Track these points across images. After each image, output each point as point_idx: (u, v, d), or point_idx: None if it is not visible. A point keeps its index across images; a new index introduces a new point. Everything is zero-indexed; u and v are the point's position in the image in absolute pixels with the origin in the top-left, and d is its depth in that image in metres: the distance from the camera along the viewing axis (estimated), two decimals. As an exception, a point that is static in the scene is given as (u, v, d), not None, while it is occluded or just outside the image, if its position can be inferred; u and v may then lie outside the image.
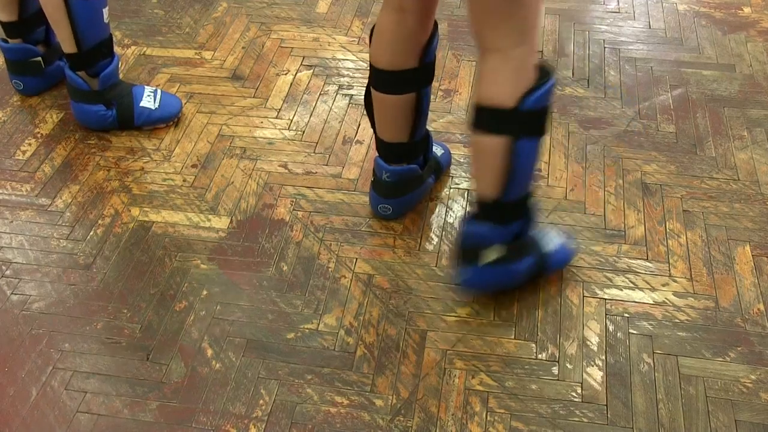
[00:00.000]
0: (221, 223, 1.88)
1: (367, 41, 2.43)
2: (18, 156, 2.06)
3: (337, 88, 2.27)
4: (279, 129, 2.14)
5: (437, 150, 1.92)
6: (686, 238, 1.83)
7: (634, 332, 1.64)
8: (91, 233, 1.86)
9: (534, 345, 1.62)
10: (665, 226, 1.86)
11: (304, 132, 2.13)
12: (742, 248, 1.81)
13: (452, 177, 1.98)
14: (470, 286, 1.66)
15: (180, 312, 1.70)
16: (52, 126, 2.15)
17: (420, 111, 1.69)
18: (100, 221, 1.89)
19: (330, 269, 1.78)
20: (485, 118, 1.43)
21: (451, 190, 1.95)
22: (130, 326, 1.67)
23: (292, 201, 1.94)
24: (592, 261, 1.78)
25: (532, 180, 1.56)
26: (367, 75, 2.30)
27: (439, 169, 1.93)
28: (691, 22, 2.51)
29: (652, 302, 1.70)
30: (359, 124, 2.15)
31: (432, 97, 2.10)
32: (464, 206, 1.91)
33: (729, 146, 2.07)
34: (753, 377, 1.57)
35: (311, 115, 2.18)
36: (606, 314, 1.68)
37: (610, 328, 1.65)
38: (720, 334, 1.64)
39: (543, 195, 1.94)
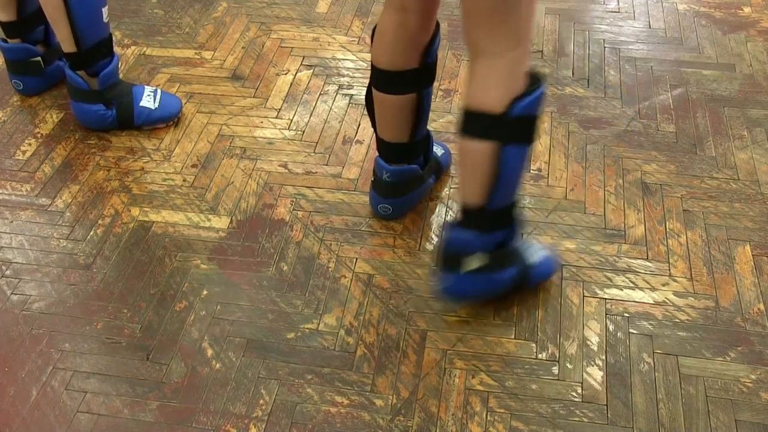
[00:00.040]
0: (221, 223, 1.88)
1: (368, 41, 2.43)
2: (18, 156, 2.06)
3: (337, 87, 2.27)
4: (279, 129, 2.14)
5: (437, 150, 1.92)
6: (686, 237, 1.83)
7: (635, 332, 1.64)
8: (91, 233, 1.86)
9: (534, 345, 1.62)
10: (665, 226, 1.86)
11: (304, 132, 2.13)
12: (742, 248, 1.81)
13: (452, 177, 1.98)
14: (451, 293, 1.64)
15: (180, 312, 1.70)
16: (52, 126, 2.15)
17: (421, 111, 1.69)
18: (100, 221, 1.89)
19: (330, 269, 1.78)
20: (473, 123, 1.41)
21: (452, 190, 1.95)
22: (130, 326, 1.67)
23: (292, 201, 1.94)
24: (592, 261, 1.78)
25: (519, 189, 1.54)
26: (367, 75, 2.30)
27: (440, 169, 1.93)
28: (691, 21, 2.51)
29: (652, 302, 1.70)
30: (359, 124, 2.15)
31: (432, 96, 2.10)
32: (464, 206, 1.91)
33: (729, 146, 2.07)
34: (753, 377, 1.57)
35: (311, 115, 2.18)
36: (606, 314, 1.68)
37: (611, 327, 1.65)
38: (720, 333, 1.64)
39: (543, 195, 1.94)
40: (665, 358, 1.60)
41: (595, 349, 1.62)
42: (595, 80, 2.29)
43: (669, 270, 1.76)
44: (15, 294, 1.74)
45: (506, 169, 1.43)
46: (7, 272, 1.78)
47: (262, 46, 2.42)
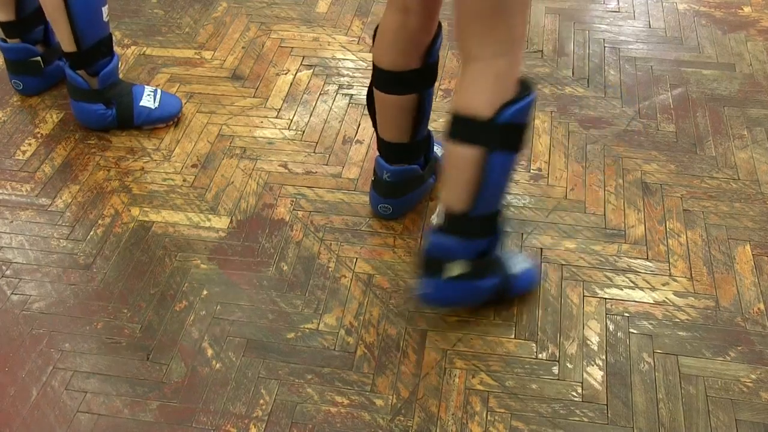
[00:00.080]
0: (221, 223, 1.88)
1: (368, 41, 2.43)
2: (18, 156, 2.06)
3: (337, 87, 2.27)
4: (279, 129, 2.14)
5: (438, 150, 1.92)
6: (686, 237, 1.83)
7: (635, 332, 1.64)
8: (91, 233, 1.86)
9: (534, 344, 1.62)
10: (665, 226, 1.86)
11: (304, 132, 2.13)
12: (743, 247, 1.81)
13: (452, 176, 1.98)
14: (430, 299, 1.62)
15: (180, 312, 1.70)
16: (52, 126, 2.15)
17: (422, 112, 1.68)
18: (100, 221, 1.89)
19: (330, 269, 1.78)
20: (460, 127, 1.40)
21: (451, 189, 1.95)
22: (131, 326, 1.67)
23: (292, 201, 1.94)
24: (592, 260, 1.78)
25: (504, 197, 1.52)
26: (367, 75, 2.30)
27: (440, 169, 1.93)
28: (691, 21, 2.51)
29: (652, 302, 1.70)
30: (359, 124, 2.15)
31: (433, 97, 2.10)
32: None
33: (729, 145, 2.07)
34: (753, 377, 1.57)
35: (311, 114, 2.18)
36: (606, 314, 1.68)
37: (611, 327, 1.65)
38: (720, 333, 1.64)
39: (543, 194, 1.94)
40: (665, 357, 1.60)
41: (596, 348, 1.62)
42: (595, 80, 2.29)
43: (669, 270, 1.76)
44: (15, 294, 1.74)
45: (492, 176, 1.41)
46: (8, 272, 1.78)
47: (262, 46, 2.42)
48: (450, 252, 1.52)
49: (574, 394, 1.54)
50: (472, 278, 1.56)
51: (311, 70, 2.33)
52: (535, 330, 1.65)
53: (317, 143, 2.09)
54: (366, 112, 2.18)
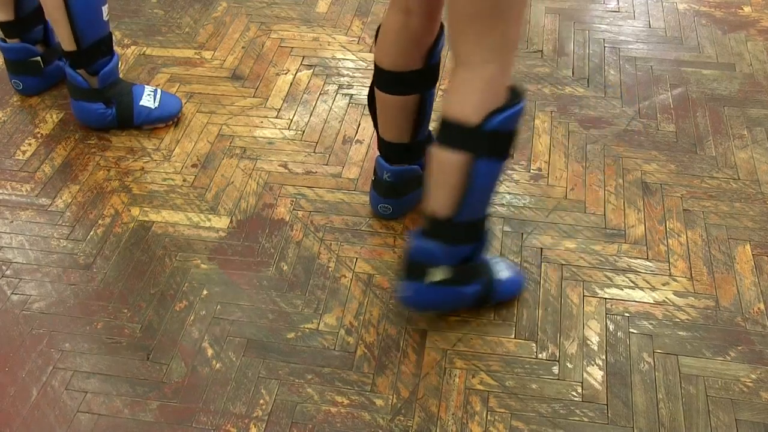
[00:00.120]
0: (221, 222, 1.88)
1: (368, 41, 2.43)
2: (18, 156, 2.06)
3: (337, 87, 2.27)
4: (279, 129, 2.14)
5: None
6: (686, 237, 1.83)
7: (635, 331, 1.64)
8: (92, 233, 1.86)
9: (534, 344, 1.62)
10: (665, 226, 1.86)
11: (304, 132, 2.13)
12: (743, 247, 1.81)
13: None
14: (412, 303, 1.62)
15: (180, 312, 1.70)
16: (52, 126, 2.15)
17: (423, 112, 1.68)
18: (100, 221, 1.89)
19: (330, 269, 1.78)
20: (447, 132, 1.39)
21: (451, 189, 1.95)
22: (131, 326, 1.67)
23: (292, 201, 1.94)
24: (593, 260, 1.78)
25: (489, 204, 1.51)
26: (367, 74, 2.31)
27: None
28: (691, 21, 2.51)
29: (652, 301, 1.70)
30: (359, 124, 2.15)
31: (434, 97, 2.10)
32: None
33: (729, 145, 2.07)
34: (753, 376, 1.57)
35: (311, 114, 2.18)
36: (606, 313, 1.68)
37: (611, 327, 1.65)
38: (720, 333, 1.64)
39: (543, 194, 1.94)
40: (665, 357, 1.60)
41: (596, 348, 1.62)
42: (595, 80, 2.29)
43: (669, 269, 1.76)
44: (15, 294, 1.74)
45: (477, 183, 1.40)
46: (8, 272, 1.78)
47: (262, 46, 2.42)
48: (433, 257, 1.51)
49: (574, 394, 1.54)
50: (454, 284, 1.56)
51: (311, 70, 2.33)
52: (535, 330, 1.65)
53: (317, 143, 2.09)
54: (366, 112, 2.18)
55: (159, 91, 2.13)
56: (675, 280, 1.74)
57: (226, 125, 2.15)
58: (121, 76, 2.19)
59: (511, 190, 1.95)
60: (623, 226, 1.86)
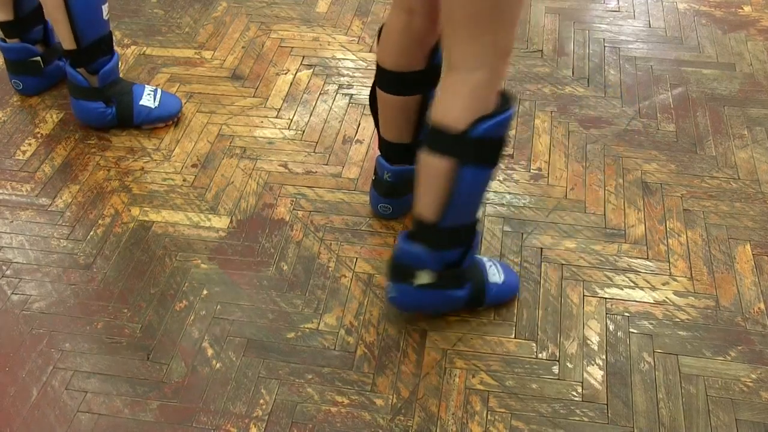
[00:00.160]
0: (221, 222, 1.88)
1: (368, 41, 2.43)
2: (18, 156, 2.06)
3: (336, 87, 2.27)
4: (279, 128, 2.14)
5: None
6: (686, 237, 1.83)
7: (635, 331, 1.64)
8: (92, 233, 1.86)
9: (534, 344, 1.62)
10: (665, 225, 1.86)
11: (304, 131, 2.13)
12: (743, 247, 1.81)
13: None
14: (399, 304, 1.63)
15: (180, 312, 1.70)
16: (52, 126, 2.15)
17: (424, 113, 1.68)
18: (100, 221, 1.89)
19: (330, 269, 1.78)
20: (434, 137, 1.38)
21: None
22: (131, 326, 1.67)
23: (292, 200, 1.94)
24: (593, 260, 1.78)
25: (476, 210, 1.50)
26: (367, 74, 2.31)
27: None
28: (691, 21, 2.51)
29: (652, 301, 1.70)
30: (359, 124, 2.15)
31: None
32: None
33: (729, 145, 2.07)
34: (753, 376, 1.57)
35: (311, 114, 2.18)
36: (606, 313, 1.68)
37: (611, 327, 1.65)
38: (720, 333, 1.64)
39: (543, 194, 1.94)
40: (666, 357, 1.60)
41: (596, 348, 1.62)
42: (595, 79, 2.29)
43: (669, 269, 1.76)
44: (15, 294, 1.74)
45: (461, 189, 1.39)
46: (8, 272, 1.78)
47: (262, 46, 2.42)
48: (418, 260, 1.51)
49: (575, 393, 1.54)
50: (440, 288, 1.56)
51: (311, 70, 2.33)
52: (535, 330, 1.65)
53: (317, 143, 2.09)
54: (366, 111, 2.18)
55: (159, 90, 2.13)
56: (675, 280, 1.74)
57: (226, 125, 2.15)
58: (121, 76, 2.19)
59: (511, 190, 1.95)
60: (623, 225, 1.86)
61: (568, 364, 1.59)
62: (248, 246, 1.83)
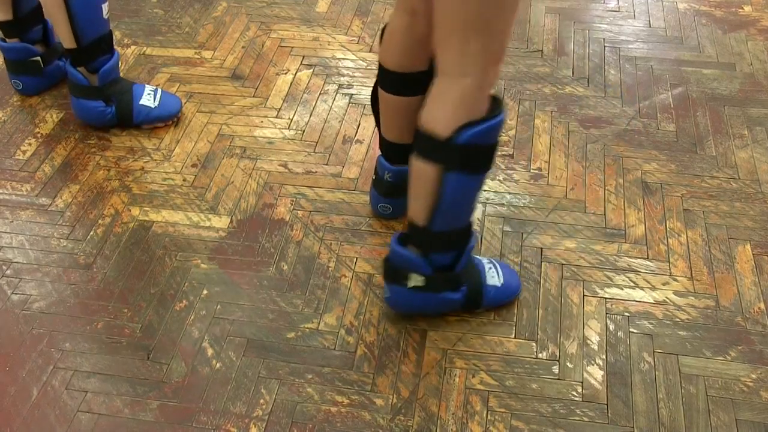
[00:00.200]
0: (221, 222, 1.88)
1: (368, 40, 2.43)
2: (18, 156, 2.06)
3: (337, 87, 2.27)
4: (279, 128, 2.14)
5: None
6: (687, 237, 1.83)
7: (635, 331, 1.64)
8: (92, 233, 1.86)
9: (534, 344, 1.62)
10: (665, 225, 1.86)
11: (304, 131, 2.13)
12: (743, 247, 1.81)
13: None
14: (393, 305, 1.63)
15: (180, 311, 1.70)
16: (52, 126, 2.15)
17: None
18: (100, 221, 1.89)
19: (330, 268, 1.78)
20: (421, 143, 1.37)
21: (452, 189, 1.95)
22: (131, 326, 1.67)
23: (293, 200, 1.94)
24: (593, 260, 1.78)
25: (469, 215, 1.49)
26: (367, 74, 2.31)
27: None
28: (692, 20, 2.51)
29: (652, 301, 1.70)
30: (359, 124, 2.15)
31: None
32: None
33: (729, 145, 2.07)
34: (754, 376, 1.57)
35: (311, 114, 2.18)
36: (606, 313, 1.68)
37: (611, 327, 1.65)
38: (720, 333, 1.64)
39: (543, 194, 1.94)
40: (666, 357, 1.60)
41: (596, 348, 1.62)
42: (595, 79, 2.29)
43: (669, 269, 1.76)
44: (15, 294, 1.74)
45: (448, 196, 1.38)
46: (8, 272, 1.78)
47: (262, 46, 2.42)
48: (409, 263, 1.52)
49: (575, 393, 1.54)
50: (433, 291, 1.56)
51: (311, 70, 2.33)
52: (535, 330, 1.65)
53: (317, 143, 2.09)
54: (366, 111, 2.18)
55: (159, 90, 2.13)
56: (675, 280, 1.74)
57: (226, 125, 2.15)
58: (121, 75, 2.19)
59: (511, 190, 1.95)
60: (623, 225, 1.86)
61: (568, 364, 1.59)
62: (248, 246, 1.83)
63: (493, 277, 1.64)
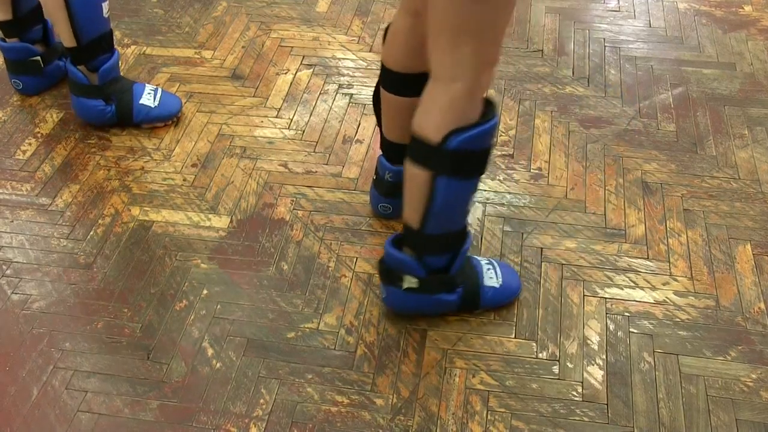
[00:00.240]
0: (221, 222, 1.88)
1: (368, 40, 2.43)
2: (18, 156, 2.06)
3: (337, 87, 2.27)
4: (279, 128, 2.14)
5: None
6: (687, 237, 1.83)
7: (635, 331, 1.64)
8: (92, 233, 1.86)
9: (534, 344, 1.62)
10: (666, 225, 1.86)
11: (304, 131, 2.13)
12: (743, 247, 1.81)
13: (452, 176, 1.98)
14: (389, 305, 1.64)
15: (180, 311, 1.70)
16: (52, 125, 2.14)
17: None
18: (100, 221, 1.89)
19: (330, 268, 1.77)
20: (413, 147, 1.37)
21: (452, 189, 1.95)
22: (131, 325, 1.67)
23: (293, 200, 1.94)
24: (593, 260, 1.78)
25: (463, 218, 1.49)
26: (368, 74, 2.31)
27: None
28: (692, 20, 2.51)
29: (652, 301, 1.70)
30: (359, 124, 2.15)
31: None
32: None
33: (729, 145, 2.07)
34: (754, 376, 1.56)
35: (311, 114, 2.18)
36: (606, 313, 1.68)
37: (611, 327, 1.65)
38: (721, 333, 1.64)
39: (543, 194, 1.94)
40: (666, 357, 1.60)
41: (596, 348, 1.61)
42: (595, 79, 2.29)
43: (669, 269, 1.76)
44: (15, 293, 1.74)
45: (440, 200, 1.38)
46: (8, 272, 1.78)
47: (262, 46, 2.42)
48: (402, 265, 1.52)
49: (575, 393, 1.54)
50: (428, 292, 1.56)
51: (311, 70, 2.33)
52: (536, 330, 1.65)
53: (317, 143, 2.09)
54: (366, 111, 2.18)
55: (159, 90, 2.13)
56: (675, 280, 1.74)
57: (226, 125, 2.15)
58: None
59: (511, 190, 1.95)
60: (623, 225, 1.86)
61: (568, 363, 1.59)
62: (248, 246, 1.83)
63: (492, 278, 1.63)
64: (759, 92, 2.23)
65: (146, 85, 2.13)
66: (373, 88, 2.23)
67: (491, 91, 2.23)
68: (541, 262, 1.78)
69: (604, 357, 1.60)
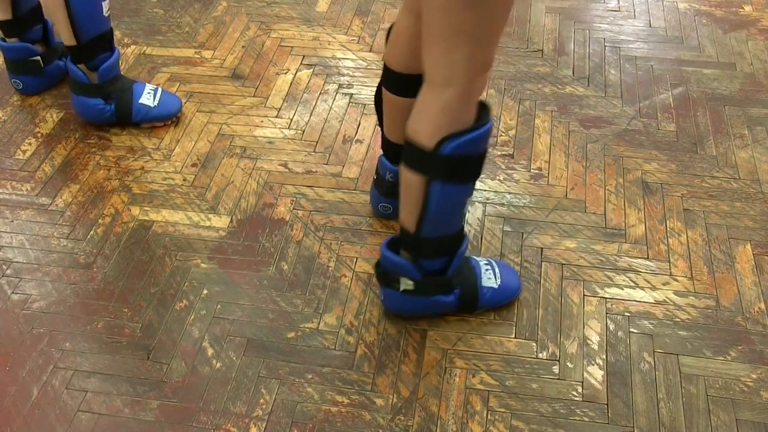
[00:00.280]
0: (221, 222, 1.88)
1: (367, 40, 2.43)
2: (18, 155, 2.06)
3: (337, 87, 2.27)
4: (279, 128, 2.14)
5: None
6: (687, 236, 1.83)
7: (635, 331, 1.64)
8: (92, 232, 1.86)
9: (534, 344, 1.62)
10: (666, 225, 1.86)
11: (304, 131, 2.13)
12: (743, 247, 1.81)
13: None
14: (387, 307, 1.64)
15: (180, 311, 1.70)
16: (53, 125, 2.14)
17: None
18: (100, 220, 1.89)
19: (330, 268, 1.77)
20: (408, 152, 1.37)
21: (452, 189, 1.95)
22: (131, 325, 1.67)
23: (293, 200, 1.94)
24: (593, 260, 1.78)
25: (458, 221, 1.48)
26: (368, 74, 2.31)
27: None
28: (692, 20, 2.51)
29: (652, 301, 1.70)
30: (359, 124, 2.15)
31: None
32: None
33: (730, 145, 2.07)
34: (754, 376, 1.56)
35: (311, 114, 2.18)
36: (607, 313, 1.68)
37: (611, 327, 1.65)
38: (721, 333, 1.64)
39: (543, 194, 1.94)
40: (666, 357, 1.60)
41: (596, 348, 1.61)
42: (595, 79, 2.29)
43: (670, 269, 1.76)
44: (15, 293, 1.74)
45: (435, 205, 1.38)
46: (8, 271, 1.78)
47: (262, 46, 2.42)
48: (398, 267, 1.52)
49: (575, 393, 1.54)
50: (425, 294, 1.57)
51: (311, 70, 2.33)
52: (536, 329, 1.65)
53: (317, 143, 2.09)
54: (366, 111, 2.18)
55: (159, 89, 2.13)
56: (675, 280, 1.74)
57: (226, 125, 2.15)
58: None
59: (511, 190, 1.95)
60: (623, 225, 1.86)
61: (568, 363, 1.59)
62: (248, 246, 1.83)
63: (490, 279, 1.63)
64: (759, 92, 2.23)
65: (146, 84, 2.13)
66: (373, 88, 2.24)
67: (491, 91, 2.23)
68: (541, 262, 1.78)
69: (604, 357, 1.60)
